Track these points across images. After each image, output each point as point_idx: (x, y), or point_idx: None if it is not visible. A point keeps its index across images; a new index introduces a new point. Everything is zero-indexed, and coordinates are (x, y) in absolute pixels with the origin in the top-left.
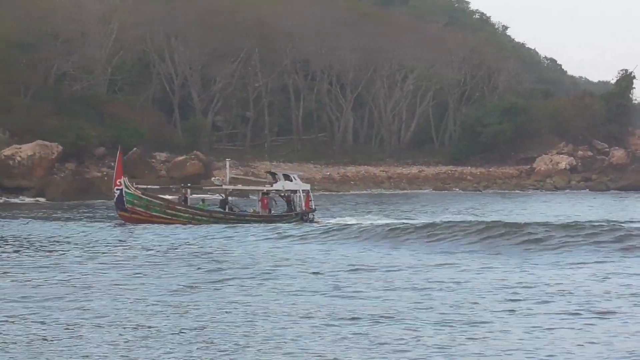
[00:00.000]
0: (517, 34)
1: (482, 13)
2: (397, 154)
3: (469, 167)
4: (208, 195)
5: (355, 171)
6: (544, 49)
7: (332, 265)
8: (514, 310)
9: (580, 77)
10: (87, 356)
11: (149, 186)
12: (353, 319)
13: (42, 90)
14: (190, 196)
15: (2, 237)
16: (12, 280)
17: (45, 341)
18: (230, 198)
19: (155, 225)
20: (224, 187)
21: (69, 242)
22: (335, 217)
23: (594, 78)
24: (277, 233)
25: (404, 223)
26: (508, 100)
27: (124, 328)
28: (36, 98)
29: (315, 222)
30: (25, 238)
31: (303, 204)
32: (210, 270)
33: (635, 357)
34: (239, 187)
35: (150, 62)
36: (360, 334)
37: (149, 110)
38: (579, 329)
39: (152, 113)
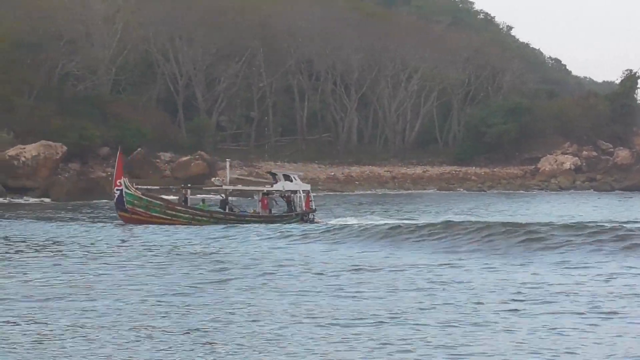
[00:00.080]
0: (521, 34)
1: (487, 13)
2: (401, 154)
3: (474, 168)
4: (212, 195)
5: (359, 171)
6: (549, 49)
7: (334, 265)
8: (518, 310)
9: (585, 77)
10: (90, 356)
11: (148, 186)
12: (357, 319)
13: (46, 91)
14: (190, 197)
15: (6, 237)
16: (16, 280)
17: (49, 341)
18: (233, 198)
19: (156, 225)
20: (224, 187)
21: (71, 243)
22: (336, 217)
23: (599, 78)
24: (278, 233)
25: (405, 223)
26: (512, 100)
27: (127, 328)
28: (40, 98)
29: (316, 222)
30: (27, 238)
31: (303, 204)
32: (212, 271)
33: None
34: (239, 187)
35: (154, 62)
36: (364, 334)
37: (153, 110)
38: (583, 329)
39: (156, 113)
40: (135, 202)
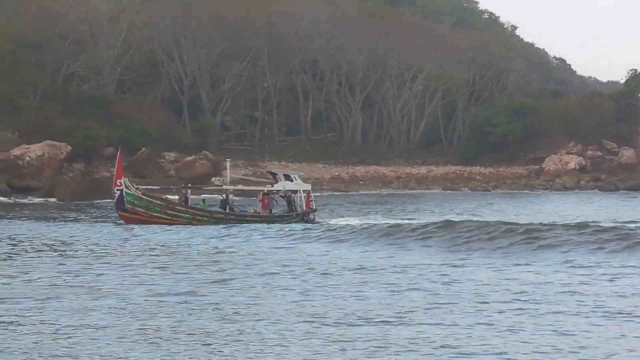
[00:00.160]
0: (526, 33)
1: (491, 13)
2: (406, 154)
3: (478, 167)
4: (216, 195)
5: (364, 171)
6: (553, 49)
7: (335, 265)
8: (522, 310)
9: (590, 77)
10: (93, 356)
11: (149, 187)
12: (361, 319)
13: (51, 91)
14: (193, 197)
15: (10, 237)
16: (20, 280)
17: (52, 341)
18: (237, 198)
19: (157, 225)
20: (224, 187)
21: (74, 243)
22: (337, 217)
23: (603, 78)
24: (279, 233)
25: (407, 223)
26: (517, 100)
27: (130, 328)
28: (45, 98)
29: (316, 222)
30: (31, 238)
31: (304, 204)
32: (214, 271)
33: None
34: (240, 187)
35: (159, 62)
36: (368, 334)
37: (158, 110)
38: (587, 329)
39: (161, 113)
40: (136, 202)
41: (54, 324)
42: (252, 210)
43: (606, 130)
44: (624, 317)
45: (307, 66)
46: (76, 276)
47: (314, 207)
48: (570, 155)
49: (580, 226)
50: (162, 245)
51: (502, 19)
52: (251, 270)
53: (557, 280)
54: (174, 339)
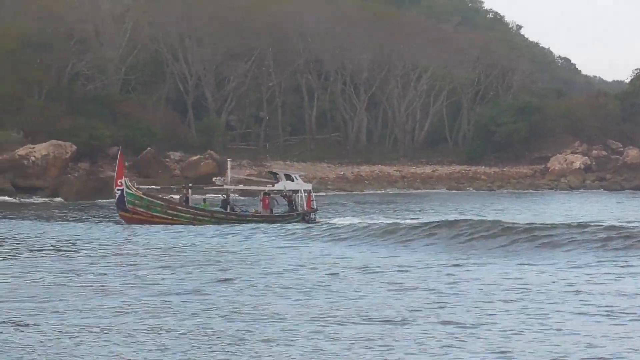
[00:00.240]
0: (531, 33)
1: (496, 12)
2: (411, 154)
3: (483, 167)
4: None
5: (369, 171)
6: (558, 49)
7: (337, 265)
8: (527, 309)
9: (595, 77)
10: (97, 356)
11: (149, 186)
12: (365, 318)
13: (56, 90)
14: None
15: (14, 236)
16: (23, 280)
17: (57, 340)
18: (242, 198)
19: (159, 225)
20: (225, 187)
21: (77, 242)
22: (339, 217)
23: (609, 77)
24: (280, 233)
25: (409, 222)
26: (522, 99)
27: (133, 328)
28: (50, 98)
29: (317, 221)
30: (34, 237)
31: (305, 204)
32: (217, 271)
33: None
34: (240, 187)
35: (164, 62)
36: (373, 333)
37: (163, 109)
38: (591, 329)
39: (166, 113)
40: (136, 202)
41: (57, 323)
42: (253, 210)
43: (611, 130)
44: (628, 316)
45: (311, 66)
46: (80, 276)
47: (315, 206)
48: (576, 155)
49: (585, 225)
50: (164, 245)
51: (506, 19)
52: (254, 269)
53: (562, 280)
54: (178, 339)
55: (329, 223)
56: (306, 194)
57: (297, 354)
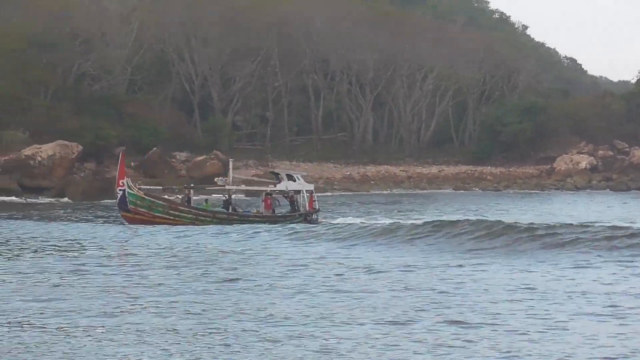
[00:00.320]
0: (536, 33)
1: (502, 12)
2: (416, 154)
3: (489, 167)
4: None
5: (375, 171)
6: (564, 49)
7: (339, 265)
8: (533, 309)
9: (601, 77)
10: (103, 356)
11: (151, 187)
12: (369, 319)
13: (62, 90)
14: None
15: (19, 236)
16: (28, 280)
17: (62, 341)
18: (248, 198)
19: (161, 226)
20: (227, 187)
21: (81, 243)
22: (341, 217)
23: (614, 78)
24: (282, 233)
25: (413, 222)
26: (528, 99)
27: (135, 329)
28: (56, 98)
29: (319, 222)
30: (38, 238)
31: (307, 204)
32: (220, 271)
33: None
34: (242, 187)
35: (170, 62)
36: (377, 334)
37: (169, 109)
38: (598, 329)
39: (172, 113)
40: (138, 202)
41: (63, 323)
42: (255, 211)
43: (617, 130)
44: (634, 317)
45: (317, 66)
46: (84, 275)
47: (317, 207)
48: (582, 155)
49: (590, 225)
50: (168, 246)
51: (512, 19)
52: (257, 270)
53: (567, 280)
54: (187, 338)
55: (331, 223)
56: (308, 194)
57: (303, 354)
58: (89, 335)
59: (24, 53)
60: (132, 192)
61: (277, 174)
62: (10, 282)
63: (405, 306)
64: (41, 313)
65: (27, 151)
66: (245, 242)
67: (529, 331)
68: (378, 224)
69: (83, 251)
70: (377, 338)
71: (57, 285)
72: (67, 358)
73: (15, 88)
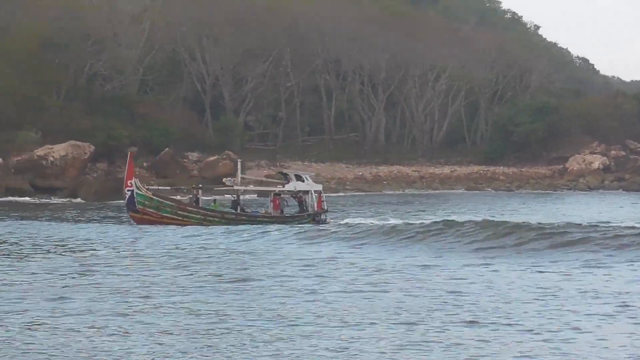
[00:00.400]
0: (548, 33)
1: (514, 12)
2: (429, 154)
3: (502, 167)
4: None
5: (387, 171)
6: (576, 49)
7: (348, 265)
8: (544, 310)
9: (613, 77)
10: (110, 356)
11: (160, 187)
12: (382, 319)
13: (74, 91)
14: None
15: (29, 236)
16: (35, 281)
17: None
18: (259, 198)
19: (170, 226)
20: (235, 187)
21: (91, 243)
22: (350, 217)
23: (627, 78)
24: (291, 233)
25: (424, 222)
26: (540, 99)
27: (150, 330)
28: (68, 98)
29: (328, 222)
30: (48, 238)
31: (315, 205)
32: (230, 271)
33: None
34: (251, 188)
35: (182, 62)
36: (388, 334)
37: (181, 110)
38: (609, 329)
39: (184, 113)
40: (146, 202)
41: (73, 324)
42: (264, 211)
43: (629, 130)
44: None
45: (330, 66)
46: (95, 276)
47: (325, 207)
48: (594, 155)
49: (602, 226)
50: (177, 246)
51: (524, 19)
52: (266, 270)
53: (579, 280)
54: (197, 338)
55: (339, 224)
56: (317, 194)
57: (316, 353)
58: (101, 335)
59: (36, 54)
60: (141, 192)
61: (285, 174)
62: (22, 283)
63: (417, 306)
64: (53, 313)
65: (40, 151)
66: (253, 242)
67: (541, 331)
68: (388, 224)
69: (94, 252)
70: (389, 338)
71: (69, 286)
72: (80, 358)
73: (27, 88)
